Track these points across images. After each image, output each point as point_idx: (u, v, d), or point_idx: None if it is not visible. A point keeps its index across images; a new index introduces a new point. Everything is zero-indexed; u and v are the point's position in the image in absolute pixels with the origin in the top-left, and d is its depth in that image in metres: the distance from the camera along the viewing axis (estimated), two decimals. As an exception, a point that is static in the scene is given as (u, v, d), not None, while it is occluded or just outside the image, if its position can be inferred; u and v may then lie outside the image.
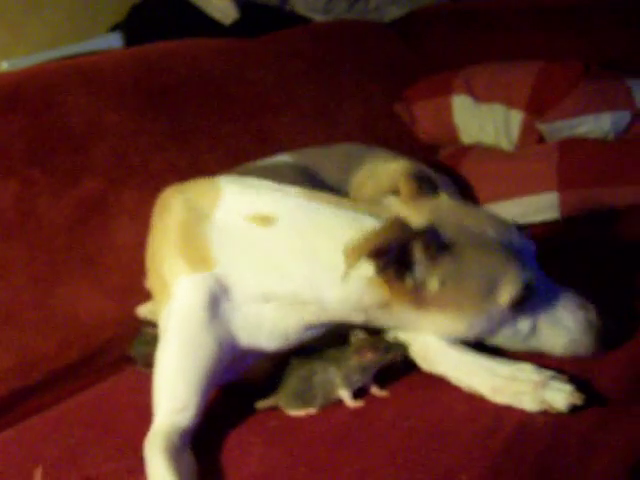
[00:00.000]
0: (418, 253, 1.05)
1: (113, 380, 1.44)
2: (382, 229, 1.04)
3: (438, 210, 1.15)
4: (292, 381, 1.17)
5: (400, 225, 1.04)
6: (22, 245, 1.54)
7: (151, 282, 1.31)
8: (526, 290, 1.08)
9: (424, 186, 1.21)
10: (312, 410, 1.15)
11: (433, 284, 1.07)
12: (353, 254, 1.01)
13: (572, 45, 2.34)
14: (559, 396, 1.01)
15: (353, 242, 1.02)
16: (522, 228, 1.21)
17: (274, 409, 1.18)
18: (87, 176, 1.65)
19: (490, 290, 1.07)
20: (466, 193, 1.94)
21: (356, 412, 1.12)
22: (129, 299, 1.57)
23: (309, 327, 1.17)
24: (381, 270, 1.04)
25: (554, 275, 1.15)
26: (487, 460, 0.97)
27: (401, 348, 1.14)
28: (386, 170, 1.58)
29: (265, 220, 1.15)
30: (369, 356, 1.12)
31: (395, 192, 1.23)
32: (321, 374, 1.15)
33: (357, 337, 1.16)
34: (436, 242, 1.06)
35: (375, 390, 1.15)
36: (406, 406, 1.10)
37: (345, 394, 1.13)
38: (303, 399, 1.15)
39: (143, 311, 1.52)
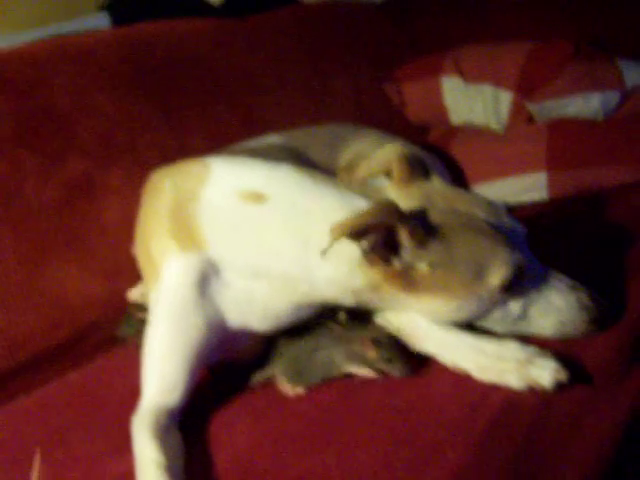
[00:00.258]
0: (405, 237, 1.05)
1: (100, 360, 1.43)
2: (370, 210, 1.04)
3: (429, 194, 1.14)
4: (292, 353, 1.15)
5: (388, 208, 1.04)
6: (9, 226, 1.53)
7: (141, 264, 1.31)
8: (516, 273, 1.08)
9: (416, 169, 1.21)
10: (300, 390, 1.14)
11: (422, 267, 1.06)
12: (336, 231, 1.01)
13: (561, 26, 2.34)
14: (544, 373, 1.01)
15: (336, 225, 1.02)
16: (511, 209, 1.21)
17: (262, 387, 1.18)
18: (74, 156, 1.64)
19: (480, 273, 1.07)
20: (455, 173, 1.94)
21: (342, 390, 1.12)
22: (116, 279, 1.57)
23: (300, 308, 1.17)
24: (366, 252, 1.04)
25: (543, 255, 1.15)
26: (473, 437, 0.97)
27: (404, 366, 1.09)
28: (380, 152, 1.57)
29: (256, 198, 1.14)
30: (370, 354, 1.09)
31: (388, 174, 1.22)
32: (325, 351, 1.13)
33: (373, 330, 1.14)
34: (424, 227, 1.05)
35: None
36: (392, 383, 1.10)
37: (355, 369, 1.11)
38: (302, 373, 1.13)
39: (134, 294, 1.52)
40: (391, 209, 1.03)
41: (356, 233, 1.02)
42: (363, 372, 1.10)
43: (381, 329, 1.13)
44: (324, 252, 1.02)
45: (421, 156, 1.28)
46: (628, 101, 1.93)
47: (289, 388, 1.14)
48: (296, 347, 1.15)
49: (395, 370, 1.07)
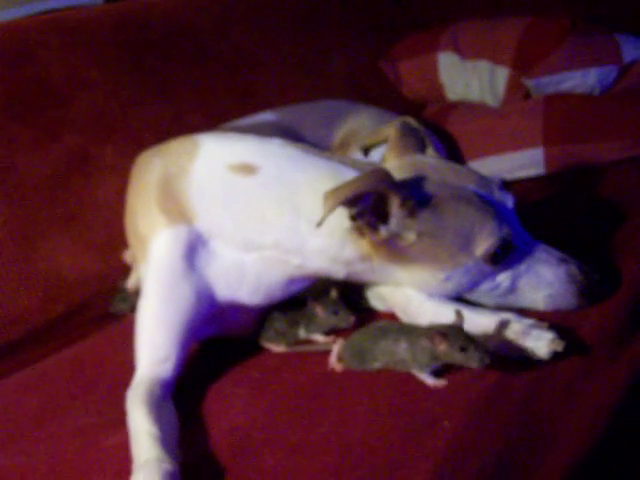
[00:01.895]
0: (395, 205, 1.04)
1: (96, 336, 1.43)
2: (363, 177, 1.04)
3: (419, 165, 1.14)
4: (358, 336, 1.10)
5: (381, 175, 1.04)
6: (1, 201, 1.53)
7: (131, 243, 1.31)
8: (503, 244, 1.08)
9: (411, 142, 1.21)
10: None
11: (410, 237, 1.06)
12: (331, 199, 1.00)
13: (559, 0, 2.32)
14: (541, 344, 1.01)
15: (330, 191, 1.01)
16: (507, 184, 1.20)
17: (255, 360, 1.18)
18: (67, 131, 1.63)
19: (467, 244, 1.07)
20: (452, 150, 1.94)
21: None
22: (111, 255, 1.57)
23: (292, 281, 1.17)
24: (355, 217, 1.04)
25: (538, 231, 1.15)
26: (469, 407, 0.97)
27: (480, 354, 0.96)
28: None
29: (246, 169, 1.14)
30: (441, 347, 0.98)
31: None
32: (389, 341, 1.05)
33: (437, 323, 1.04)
34: (415, 196, 1.05)
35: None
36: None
37: (422, 375, 1.03)
38: (363, 357, 1.07)
39: (131, 283, 1.51)
40: (383, 176, 1.03)
41: (349, 201, 1.01)
42: (425, 379, 1.02)
43: (446, 324, 1.02)
44: (320, 223, 1.01)
45: (422, 130, 1.27)
46: (625, 76, 1.92)
47: (336, 364, 1.10)
48: (363, 332, 1.11)
49: (471, 360, 0.96)
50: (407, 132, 1.23)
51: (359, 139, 1.66)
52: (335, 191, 1.01)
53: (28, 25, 1.71)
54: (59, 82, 1.67)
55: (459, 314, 1.00)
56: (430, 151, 1.23)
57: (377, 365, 1.06)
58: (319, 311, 1.17)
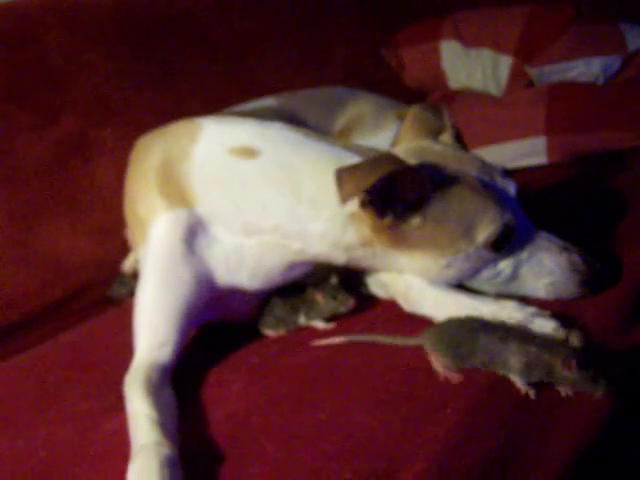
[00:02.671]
0: (409, 190, 1.03)
1: (94, 320, 1.42)
2: (378, 161, 1.02)
3: (424, 151, 1.14)
4: (451, 330, 1.02)
5: (394, 160, 1.02)
6: (0, 184, 1.51)
7: (129, 226, 1.30)
8: (504, 231, 1.07)
9: (421, 129, 1.20)
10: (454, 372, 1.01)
11: (414, 221, 1.05)
12: (350, 187, 0.98)
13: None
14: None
15: (346, 173, 0.99)
16: (509, 173, 1.20)
17: (255, 345, 1.18)
18: (67, 114, 1.63)
19: (469, 230, 1.06)
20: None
21: (337, 349, 1.11)
22: (110, 239, 1.57)
23: (292, 266, 1.16)
24: (366, 204, 1.03)
25: (540, 219, 1.15)
26: (471, 395, 0.96)
27: (608, 384, 0.92)
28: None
29: (247, 153, 1.13)
30: (568, 373, 0.92)
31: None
32: (492, 339, 0.97)
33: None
34: (431, 180, 1.04)
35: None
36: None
37: (519, 382, 0.97)
38: (463, 354, 0.99)
39: (128, 264, 1.50)
40: (397, 160, 1.02)
41: (372, 187, 0.98)
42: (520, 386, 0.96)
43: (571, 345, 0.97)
44: (344, 202, 0.99)
45: (447, 117, 1.26)
46: (629, 65, 1.91)
47: (444, 366, 1.00)
48: (449, 323, 1.04)
49: (598, 389, 0.91)
50: (422, 117, 1.22)
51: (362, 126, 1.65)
52: (353, 174, 0.98)
53: (28, 7, 1.70)
54: (59, 64, 1.67)
55: (575, 335, 0.97)
56: (445, 138, 1.21)
57: (474, 363, 0.99)
58: (318, 297, 1.16)
